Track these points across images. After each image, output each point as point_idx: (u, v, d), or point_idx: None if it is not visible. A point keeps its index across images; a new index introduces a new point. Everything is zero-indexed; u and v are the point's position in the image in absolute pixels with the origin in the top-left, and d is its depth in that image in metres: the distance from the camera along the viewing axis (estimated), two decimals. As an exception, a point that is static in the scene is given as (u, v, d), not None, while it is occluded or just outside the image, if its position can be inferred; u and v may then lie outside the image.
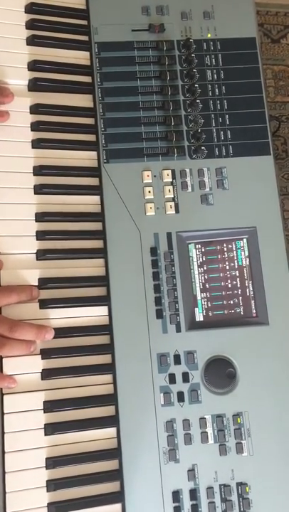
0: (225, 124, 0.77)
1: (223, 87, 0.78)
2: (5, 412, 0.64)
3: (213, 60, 0.79)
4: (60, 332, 0.68)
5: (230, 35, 0.80)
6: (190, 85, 0.77)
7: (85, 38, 0.78)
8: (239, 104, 0.78)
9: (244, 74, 0.79)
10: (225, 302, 0.73)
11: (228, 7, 0.81)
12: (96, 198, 0.74)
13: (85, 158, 0.75)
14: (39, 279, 0.69)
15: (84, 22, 0.79)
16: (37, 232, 0.70)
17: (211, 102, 0.78)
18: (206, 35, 0.80)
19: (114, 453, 0.66)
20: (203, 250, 0.74)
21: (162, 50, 0.78)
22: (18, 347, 0.64)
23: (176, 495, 0.65)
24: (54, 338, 0.67)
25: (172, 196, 0.74)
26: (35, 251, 0.70)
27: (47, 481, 0.63)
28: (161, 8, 0.80)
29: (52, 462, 0.64)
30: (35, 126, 0.73)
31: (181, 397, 0.68)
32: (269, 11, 1.92)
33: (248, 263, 0.74)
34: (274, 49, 1.82)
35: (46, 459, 0.64)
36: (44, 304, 0.68)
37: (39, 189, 0.71)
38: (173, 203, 0.74)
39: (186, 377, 0.68)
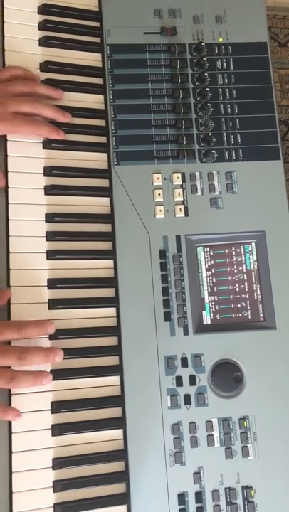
0: (235, 128, 0.77)
1: (234, 91, 0.79)
2: (13, 412, 0.64)
3: (225, 64, 0.79)
4: (68, 333, 0.68)
5: (242, 40, 0.81)
6: (201, 89, 0.77)
7: (97, 39, 0.78)
8: (249, 109, 0.78)
9: (255, 78, 0.80)
10: (232, 306, 0.73)
11: (239, 11, 0.81)
12: (106, 200, 0.74)
13: (96, 159, 0.75)
14: (48, 279, 0.69)
15: (96, 24, 0.79)
16: (47, 232, 0.70)
17: (222, 105, 0.78)
18: (218, 39, 0.80)
19: (121, 454, 0.66)
20: (211, 253, 0.74)
21: (174, 53, 0.78)
22: (25, 379, 0.62)
23: (181, 497, 0.65)
24: (62, 338, 0.67)
25: (182, 199, 0.74)
26: (44, 251, 0.70)
27: (53, 482, 0.63)
28: (174, 11, 0.80)
29: (58, 463, 0.64)
30: (46, 127, 0.73)
31: (187, 399, 0.68)
32: (276, 14, 1.92)
33: (256, 267, 0.74)
34: (281, 52, 1.83)
35: (53, 459, 0.64)
36: (53, 304, 0.68)
37: (49, 190, 0.72)
38: (182, 206, 0.74)
39: (193, 380, 0.69)
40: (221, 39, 0.80)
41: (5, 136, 0.71)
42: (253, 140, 0.77)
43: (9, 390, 0.64)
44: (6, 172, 0.71)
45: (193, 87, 0.78)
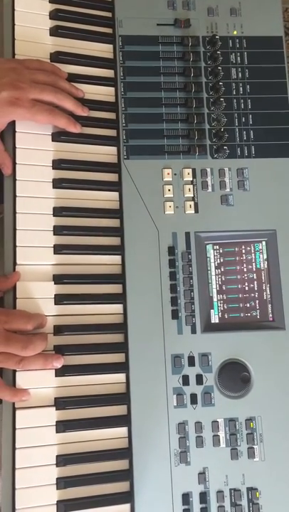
0: (248, 124, 0.76)
1: (248, 86, 0.77)
2: (17, 408, 0.63)
3: (239, 58, 0.78)
4: (74, 329, 0.67)
5: (257, 33, 0.79)
6: (214, 83, 0.76)
7: (109, 30, 0.77)
8: (263, 104, 0.77)
9: (269, 73, 0.78)
10: (241, 305, 0.72)
11: (255, 4, 0.80)
12: (115, 195, 0.73)
13: (105, 153, 0.74)
14: (55, 274, 0.68)
15: (108, 14, 0.77)
16: (54, 226, 0.69)
17: (235, 100, 0.77)
18: (232, 32, 0.78)
19: (125, 453, 0.65)
20: (221, 251, 0.73)
21: (187, 45, 0.76)
22: (35, 361, 0.63)
23: (186, 497, 0.65)
24: (67, 334, 0.67)
25: (192, 195, 0.73)
26: (52, 245, 0.69)
27: (57, 479, 0.63)
28: (188, 2, 0.78)
29: (62, 460, 0.63)
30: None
31: (194, 399, 0.67)
32: (288, 7, 1.89)
33: (266, 266, 0.73)
34: (292, 47, 1.80)
35: (57, 456, 0.63)
36: (59, 299, 0.67)
37: (58, 183, 0.70)
38: (192, 202, 0.73)
39: (199, 380, 0.68)
40: (235, 32, 0.79)
41: (13, 127, 0.70)
42: (265, 136, 0.76)
43: (13, 384, 0.64)
44: (14, 164, 0.69)
45: (206, 81, 0.76)
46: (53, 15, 0.75)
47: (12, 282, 0.66)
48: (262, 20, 0.79)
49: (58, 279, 0.68)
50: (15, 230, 0.68)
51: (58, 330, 0.66)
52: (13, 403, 0.63)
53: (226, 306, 0.71)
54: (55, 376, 0.65)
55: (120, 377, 0.68)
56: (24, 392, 0.63)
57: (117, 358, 0.68)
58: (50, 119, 0.69)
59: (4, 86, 0.66)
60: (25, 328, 0.64)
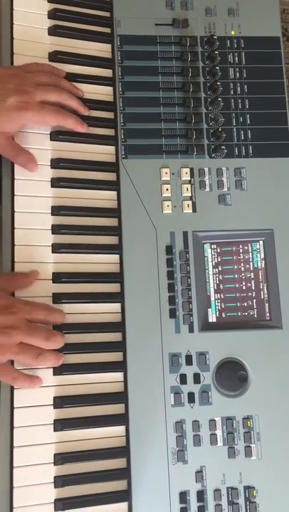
0: (246, 124, 0.76)
1: (245, 86, 0.77)
2: (15, 406, 0.63)
3: (236, 58, 0.78)
4: (72, 328, 0.67)
5: (254, 34, 0.79)
6: (212, 83, 0.76)
7: (107, 30, 0.77)
8: (261, 104, 0.77)
9: (267, 73, 0.78)
10: (239, 304, 0.72)
11: (253, 5, 0.80)
12: (113, 194, 0.73)
13: (104, 152, 0.74)
14: (53, 273, 0.68)
15: (107, 14, 0.77)
16: (53, 225, 0.69)
17: (233, 100, 0.77)
18: (230, 32, 0.79)
19: (123, 451, 0.66)
20: (218, 251, 0.73)
21: (185, 45, 0.77)
22: (50, 357, 0.64)
23: (183, 496, 0.65)
24: (66, 333, 0.67)
25: (190, 195, 0.73)
26: (50, 244, 0.69)
27: (55, 477, 0.63)
28: (186, 2, 0.78)
29: (60, 458, 0.63)
30: (54, 118, 0.72)
31: (191, 398, 0.67)
32: (285, 8, 1.90)
33: (263, 265, 0.73)
34: (289, 47, 1.81)
35: (55, 454, 0.63)
36: (57, 298, 0.67)
37: (56, 182, 0.70)
38: (190, 201, 0.73)
39: (197, 379, 0.68)
40: (233, 32, 0.79)
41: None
42: (263, 136, 0.76)
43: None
44: (12, 164, 0.69)
45: (204, 81, 0.77)
46: (52, 14, 0.75)
47: (31, 280, 0.66)
48: (260, 20, 0.80)
49: (57, 277, 0.68)
50: (13, 228, 0.68)
51: (57, 328, 0.66)
52: (11, 401, 0.63)
53: (223, 305, 0.72)
54: (53, 375, 0.65)
55: (118, 375, 0.68)
56: (40, 379, 0.64)
57: (114, 356, 0.68)
58: (59, 119, 0.69)
59: (10, 92, 0.66)
60: (46, 320, 0.64)
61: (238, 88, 0.77)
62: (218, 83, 0.76)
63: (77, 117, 0.71)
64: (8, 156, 0.69)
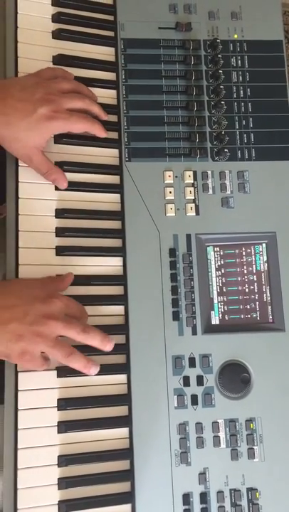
0: (248, 127, 0.77)
1: (248, 89, 0.78)
2: (19, 408, 0.64)
3: (239, 61, 0.78)
4: (76, 330, 0.68)
5: (257, 37, 0.80)
6: (215, 86, 0.77)
7: (111, 33, 0.77)
8: (263, 107, 0.77)
9: (269, 77, 0.79)
10: (241, 307, 0.72)
11: (255, 8, 0.81)
12: (116, 197, 0.73)
13: (107, 155, 0.74)
14: (57, 275, 0.68)
15: (110, 17, 0.78)
16: (56, 228, 0.70)
17: (236, 103, 0.77)
18: (233, 35, 0.79)
19: (126, 453, 0.66)
20: (221, 253, 0.73)
21: (188, 49, 0.77)
22: (79, 359, 0.63)
23: (186, 498, 0.65)
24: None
25: (193, 198, 0.74)
26: (54, 247, 0.69)
27: (58, 479, 0.63)
28: (189, 6, 0.79)
29: (64, 460, 0.64)
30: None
31: (194, 400, 0.68)
32: (287, 10, 1.90)
33: (266, 268, 0.73)
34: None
35: (58, 456, 0.64)
36: (61, 300, 0.68)
37: (60, 185, 0.71)
38: (193, 204, 0.73)
39: (200, 381, 0.68)
40: (235, 36, 0.79)
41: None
42: (266, 139, 0.77)
43: (16, 387, 0.64)
44: (16, 167, 0.70)
45: (207, 84, 0.77)
46: (56, 18, 0.75)
47: (67, 283, 0.67)
48: (262, 24, 0.80)
49: (60, 280, 0.68)
50: (17, 231, 0.68)
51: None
52: (15, 403, 0.64)
53: (226, 308, 0.72)
54: (57, 377, 0.66)
55: (121, 378, 0.68)
56: (96, 366, 0.64)
57: (118, 358, 0.68)
58: (87, 126, 0.70)
59: (39, 102, 0.66)
60: (82, 316, 0.66)
61: (241, 91, 0.78)
62: (221, 86, 0.76)
63: (100, 123, 0.72)
64: (40, 173, 0.69)
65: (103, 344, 0.64)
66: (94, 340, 0.64)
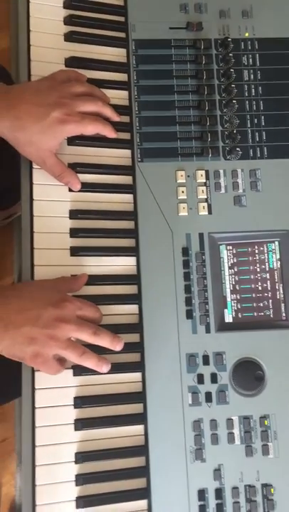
0: (260, 125, 0.77)
1: (260, 88, 0.78)
2: (36, 406, 0.65)
3: (251, 60, 0.79)
4: (91, 329, 0.69)
5: (268, 35, 0.80)
6: (226, 85, 0.77)
7: (122, 34, 0.78)
8: (275, 106, 0.77)
9: (281, 75, 0.79)
10: (255, 304, 0.73)
11: (266, 6, 0.80)
12: (129, 197, 0.74)
13: (120, 156, 0.75)
14: (72, 276, 0.69)
15: (121, 19, 0.78)
16: (71, 229, 0.71)
17: (247, 102, 0.77)
18: (244, 34, 0.79)
19: (142, 450, 0.67)
20: (234, 252, 0.74)
21: (199, 48, 0.77)
22: (92, 358, 0.64)
23: (201, 494, 0.66)
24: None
25: (205, 197, 0.74)
26: (68, 248, 0.70)
27: (76, 476, 0.65)
28: (200, 6, 0.79)
29: (81, 457, 0.65)
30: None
31: (209, 397, 0.68)
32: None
33: (279, 266, 0.74)
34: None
35: (76, 453, 0.65)
36: (76, 300, 0.69)
37: (73, 186, 0.72)
38: (206, 203, 0.74)
39: (214, 378, 0.69)
40: (247, 34, 0.79)
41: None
42: (278, 137, 0.77)
43: (33, 385, 0.65)
44: (30, 169, 0.71)
45: (218, 84, 0.77)
46: (67, 20, 0.76)
47: (81, 284, 0.69)
48: (273, 22, 0.80)
49: (75, 280, 0.69)
50: (32, 232, 0.69)
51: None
52: (33, 402, 0.65)
53: (239, 306, 0.72)
54: (73, 376, 0.67)
55: (136, 376, 0.69)
56: (108, 363, 0.66)
57: (133, 357, 0.69)
58: (99, 128, 0.71)
59: (52, 106, 0.68)
60: (94, 317, 0.67)
61: (253, 90, 0.78)
62: (233, 85, 0.77)
63: (110, 124, 0.73)
64: (53, 175, 0.70)
65: (113, 345, 0.66)
66: (104, 341, 0.66)
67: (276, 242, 0.74)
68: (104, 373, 0.67)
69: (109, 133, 0.73)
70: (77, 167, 0.72)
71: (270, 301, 0.73)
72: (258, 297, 0.73)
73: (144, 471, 0.66)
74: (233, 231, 0.74)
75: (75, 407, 0.66)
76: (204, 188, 0.74)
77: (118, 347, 0.67)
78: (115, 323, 0.70)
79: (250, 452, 0.68)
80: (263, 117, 0.77)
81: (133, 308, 0.71)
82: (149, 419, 0.67)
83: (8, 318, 0.62)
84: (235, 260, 0.74)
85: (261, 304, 0.73)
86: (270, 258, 0.74)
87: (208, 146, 0.75)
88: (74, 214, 0.71)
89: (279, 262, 0.74)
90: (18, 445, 1.24)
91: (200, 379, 0.69)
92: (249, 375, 0.69)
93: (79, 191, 0.72)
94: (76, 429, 0.66)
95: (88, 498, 0.64)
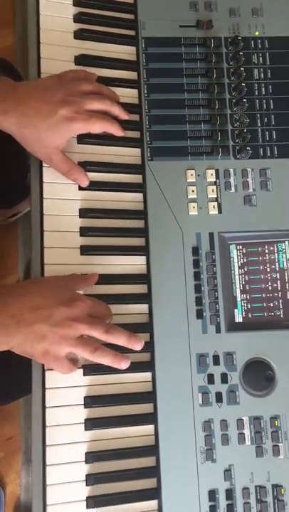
0: (270, 125, 0.76)
1: (270, 87, 0.78)
2: (47, 406, 0.65)
3: (261, 58, 0.78)
4: (101, 328, 0.68)
5: (278, 34, 0.79)
6: (236, 84, 0.76)
7: (132, 32, 0.77)
8: (285, 105, 0.77)
9: (291, 73, 0.78)
10: (265, 304, 0.73)
11: (276, 5, 0.80)
12: (139, 196, 0.73)
13: (129, 155, 0.74)
14: (82, 274, 0.69)
15: (131, 16, 0.78)
16: (81, 228, 0.70)
17: (257, 101, 0.77)
18: (254, 32, 0.79)
19: (152, 450, 0.67)
20: (244, 251, 0.73)
21: (210, 47, 0.77)
22: (107, 354, 0.64)
23: (212, 494, 0.66)
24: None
25: (215, 196, 0.74)
26: (78, 247, 0.70)
27: (86, 475, 0.64)
28: (210, 4, 0.79)
29: (91, 457, 0.65)
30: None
31: (219, 397, 0.68)
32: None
33: (289, 266, 0.74)
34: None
35: (86, 453, 0.65)
36: (86, 300, 0.69)
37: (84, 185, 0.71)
38: (216, 203, 0.74)
39: (224, 378, 0.69)
40: (257, 33, 0.79)
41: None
42: (288, 137, 0.76)
43: (43, 385, 0.65)
44: (40, 167, 0.71)
45: (228, 82, 0.77)
46: (77, 18, 0.76)
47: (91, 282, 0.68)
48: (283, 20, 0.80)
49: (85, 279, 0.69)
50: (42, 231, 0.69)
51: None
52: (43, 401, 0.65)
53: (249, 306, 0.72)
54: (84, 375, 0.66)
55: (146, 375, 0.69)
56: (127, 360, 0.65)
57: (143, 357, 0.69)
58: (107, 126, 0.71)
59: (59, 103, 0.67)
60: (106, 315, 0.67)
61: (263, 89, 0.77)
62: (243, 84, 0.76)
63: (118, 122, 0.72)
64: (61, 172, 0.70)
65: (130, 343, 0.65)
66: (119, 340, 0.65)
67: (286, 242, 0.74)
68: (114, 373, 0.67)
69: (117, 131, 0.72)
70: (86, 165, 0.72)
71: (280, 301, 0.73)
72: (268, 297, 0.73)
73: (154, 471, 0.66)
74: (243, 230, 0.73)
75: (85, 407, 0.66)
76: (214, 187, 0.74)
77: (137, 346, 0.66)
78: (125, 322, 0.69)
79: (260, 453, 0.67)
80: (273, 116, 0.77)
81: (143, 307, 0.71)
82: (159, 419, 0.67)
83: (21, 316, 0.62)
84: (245, 260, 0.73)
85: (271, 304, 0.73)
86: (281, 258, 0.74)
87: (218, 145, 0.75)
88: (84, 213, 0.71)
89: (289, 262, 0.74)
90: (23, 444, 1.24)
91: (210, 379, 0.69)
92: (259, 376, 0.69)
93: (89, 190, 0.72)
94: (86, 428, 0.65)
95: (99, 498, 0.64)
